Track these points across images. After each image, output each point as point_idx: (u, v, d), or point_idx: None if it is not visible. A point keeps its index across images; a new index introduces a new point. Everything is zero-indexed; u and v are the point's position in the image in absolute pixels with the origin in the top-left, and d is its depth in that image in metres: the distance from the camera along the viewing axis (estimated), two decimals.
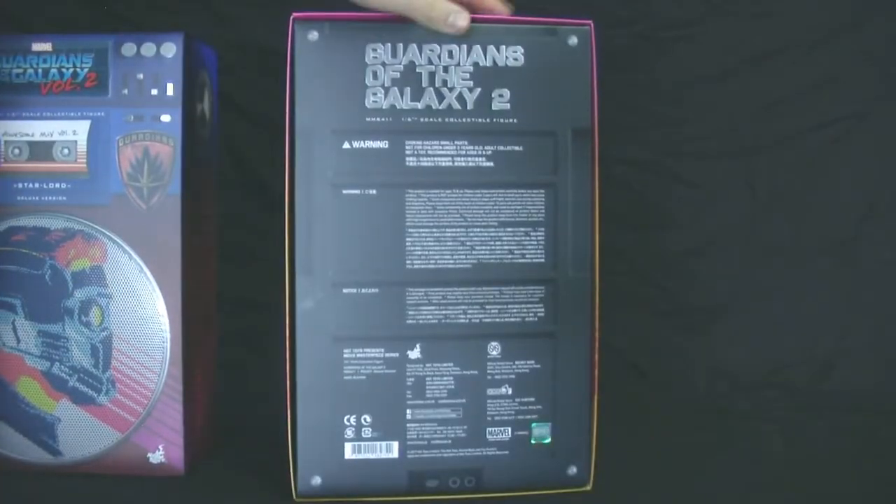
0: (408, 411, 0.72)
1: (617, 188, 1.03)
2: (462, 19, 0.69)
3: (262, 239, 0.98)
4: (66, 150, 0.74)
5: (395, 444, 0.71)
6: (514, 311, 0.72)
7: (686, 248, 1.07)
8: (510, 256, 0.72)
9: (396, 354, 0.71)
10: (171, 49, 0.74)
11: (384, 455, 0.71)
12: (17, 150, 0.74)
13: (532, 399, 0.73)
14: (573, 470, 0.73)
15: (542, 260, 0.72)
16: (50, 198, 0.74)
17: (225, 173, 0.98)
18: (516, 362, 0.72)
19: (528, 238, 0.72)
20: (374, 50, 0.70)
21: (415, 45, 0.71)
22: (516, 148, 0.72)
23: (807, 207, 1.07)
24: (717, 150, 1.07)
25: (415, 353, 0.71)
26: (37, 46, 0.74)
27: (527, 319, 0.72)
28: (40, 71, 0.74)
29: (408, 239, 0.71)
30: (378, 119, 0.71)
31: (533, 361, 0.72)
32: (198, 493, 0.73)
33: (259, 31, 1.00)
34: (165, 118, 0.74)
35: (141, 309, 0.74)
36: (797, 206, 1.07)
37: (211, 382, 0.83)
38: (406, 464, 0.72)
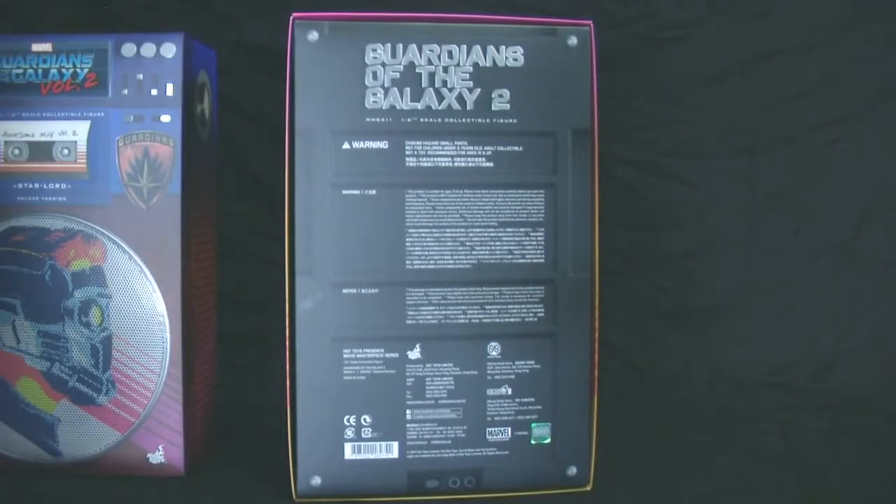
0: (408, 411, 0.72)
1: (617, 188, 1.03)
2: None
3: (261, 239, 0.99)
4: (66, 151, 0.74)
5: (395, 445, 0.71)
6: (514, 311, 0.72)
7: (686, 248, 1.07)
8: (510, 257, 0.72)
9: (396, 355, 0.71)
10: (170, 49, 0.74)
11: (384, 455, 0.71)
12: (17, 150, 0.74)
13: (532, 399, 0.73)
14: (573, 470, 0.73)
15: (542, 260, 0.72)
16: (50, 198, 0.74)
17: (225, 173, 0.99)
18: (516, 362, 0.72)
19: (527, 238, 0.72)
20: (374, 50, 0.70)
21: (414, 46, 0.71)
22: (516, 148, 0.72)
23: (807, 207, 1.07)
24: (717, 150, 1.07)
25: (414, 354, 0.71)
26: (37, 46, 0.74)
27: (526, 320, 0.72)
28: (40, 71, 0.74)
29: (408, 239, 0.71)
30: (378, 119, 0.71)
31: (533, 362, 0.72)
32: (198, 493, 0.73)
33: (259, 31, 1.00)
34: (165, 118, 0.74)
35: (141, 309, 0.74)
36: (797, 206, 1.07)
37: (211, 382, 0.83)
38: (406, 464, 0.72)
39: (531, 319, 0.72)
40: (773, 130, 1.06)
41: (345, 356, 0.71)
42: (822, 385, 1.03)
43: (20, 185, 0.74)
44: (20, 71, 0.74)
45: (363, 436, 0.71)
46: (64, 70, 0.74)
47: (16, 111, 0.74)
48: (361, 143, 0.71)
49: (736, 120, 1.06)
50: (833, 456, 0.84)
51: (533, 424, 0.73)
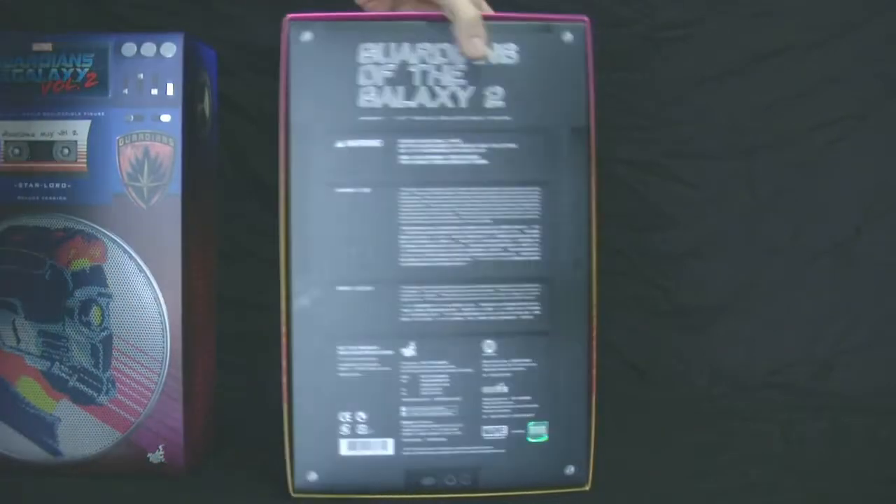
0: (402, 409, 0.71)
1: (617, 188, 1.03)
2: (479, 46, 0.69)
3: (261, 239, 0.99)
4: (66, 150, 0.74)
5: (391, 442, 0.71)
6: (510, 308, 0.72)
7: (686, 248, 1.07)
8: (505, 254, 0.72)
9: (391, 352, 0.71)
10: (171, 49, 0.74)
11: (379, 452, 0.71)
12: (17, 150, 0.74)
13: (528, 397, 0.72)
14: (571, 469, 0.73)
15: (538, 258, 0.72)
16: (50, 198, 0.74)
17: (225, 173, 0.99)
18: (512, 360, 0.72)
19: (522, 236, 0.72)
20: (367, 49, 0.71)
21: (407, 45, 0.71)
22: (510, 145, 0.72)
23: (807, 207, 1.06)
24: (717, 150, 1.06)
25: (409, 351, 0.71)
26: (37, 46, 0.74)
27: (522, 317, 0.72)
28: (40, 71, 0.74)
29: (402, 237, 0.71)
30: (371, 118, 0.71)
31: (529, 360, 0.72)
32: (198, 493, 0.73)
33: (259, 31, 1.00)
34: (165, 118, 0.74)
35: (141, 309, 0.74)
36: (797, 206, 1.06)
37: (211, 382, 0.83)
38: (402, 461, 0.71)
39: (527, 317, 0.72)
40: (773, 130, 1.06)
41: (340, 353, 0.71)
42: (822, 385, 1.03)
43: (20, 185, 0.74)
44: (20, 70, 0.74)
45: (358, 432, 0.71)
46: (64, 70, 0.74)
47: (16, 111, 0.74)
48: (355, 141, 0.71)
49: (736, 120, 1.06)
50: (833, 456, 0.84)
51: (530, 423, 0.73)
